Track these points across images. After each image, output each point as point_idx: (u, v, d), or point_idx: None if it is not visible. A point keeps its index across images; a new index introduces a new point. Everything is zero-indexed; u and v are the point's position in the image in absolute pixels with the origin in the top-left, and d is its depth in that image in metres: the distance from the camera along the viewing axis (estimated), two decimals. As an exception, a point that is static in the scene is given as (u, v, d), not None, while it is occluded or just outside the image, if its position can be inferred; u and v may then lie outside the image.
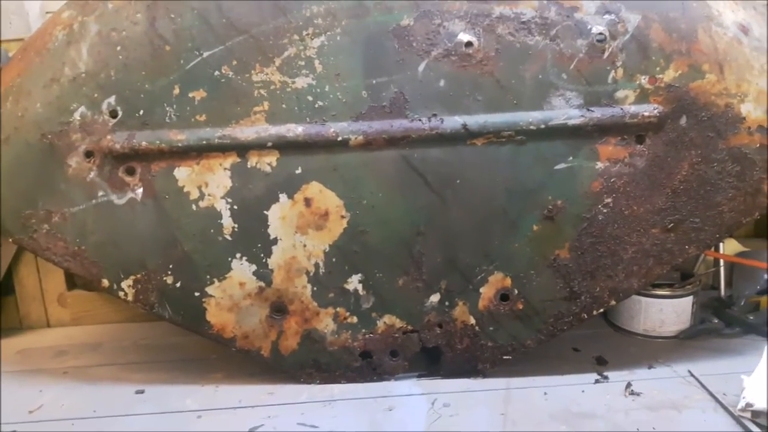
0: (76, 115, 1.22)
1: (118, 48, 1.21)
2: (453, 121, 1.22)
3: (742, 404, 1.19)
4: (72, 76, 1.21)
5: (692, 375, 1.35)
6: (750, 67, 1.22)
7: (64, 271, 1.77)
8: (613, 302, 1.32)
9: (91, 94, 1.22)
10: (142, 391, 1.38)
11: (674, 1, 1.22)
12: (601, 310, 1.33)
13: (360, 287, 1.31)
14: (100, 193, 1.25)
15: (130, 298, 1.28)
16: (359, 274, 1.30)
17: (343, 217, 1.27)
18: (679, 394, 1.29)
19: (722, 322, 1.56)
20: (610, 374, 1.37)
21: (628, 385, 1.31)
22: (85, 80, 1.21)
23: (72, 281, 1.83)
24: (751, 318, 1.55)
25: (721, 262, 1.71)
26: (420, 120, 1.22)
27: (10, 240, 1.29)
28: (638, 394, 1.29)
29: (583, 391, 1.31)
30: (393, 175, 1.25)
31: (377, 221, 1.27)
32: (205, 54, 1.21)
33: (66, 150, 1.23)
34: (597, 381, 1.35)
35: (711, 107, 1.22)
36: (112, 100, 1.22)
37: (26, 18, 1.68)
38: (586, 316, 1.32)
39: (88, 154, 1.23)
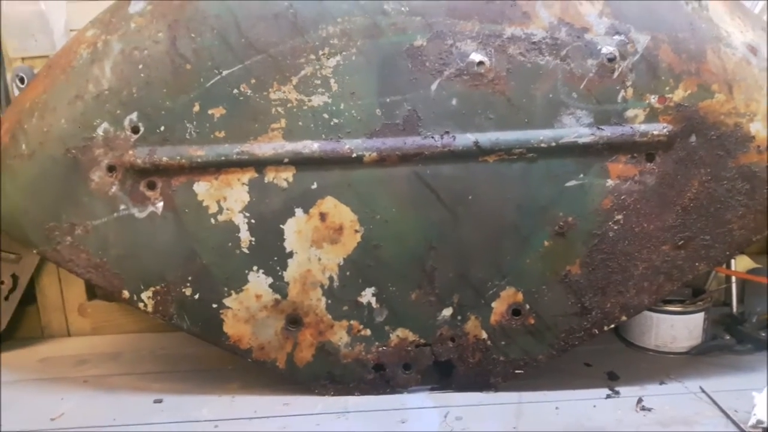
0: (99, 131, 1.26)
1: (141, 66, 1.25)
2: (465, 139, 1.25)
3: (752, 421, 1.20)
4: (96, 93, 1.25)
5: (703, 391, 1.36)
6: (759, 87, 1.23)
7: (85, 282, 1.81)
8: (624, 318, 1.34)
9: (113, 111, 1.26)
10: (160, 401, 1.41)
11: (683, 22, 1.23)
12: (612, 325, 1.34)
13: (373, 300, 1.33)
14: (122, 207, 1.28)
15: (149, 309, 1.32)
16: (373, 288, 1.33)
17: (357, 231, 1.30)
18: (691, 410, 1.29)
19: (734, 338, 1.57)
20: (622, 389, 1.38)
21: (640, 400, 1.32)
22: (109, 97, 1.25)
23: (92, 291, 1.86)
24: (763, 334, 1.55)
25: (733, 278, 1.71)
26: (433, 137, 1.25)
27: (34, 251, 1.32)
28: (649, 410, 1.29)
29: (594, 406, 1.32)
30: (406, 191, 1.28)
31: (390, 236, 1.30)
32: (225, 72, 1.24)
33: (89, 165, 1.27)
34: (608, 396, 1.36)
35: (720, 126, 1.24)
36: (134, 116, 1.26)
37: (51, 35, 1.72)
38: (597, 332, 1.33)
39: (111, 169, 1.27)
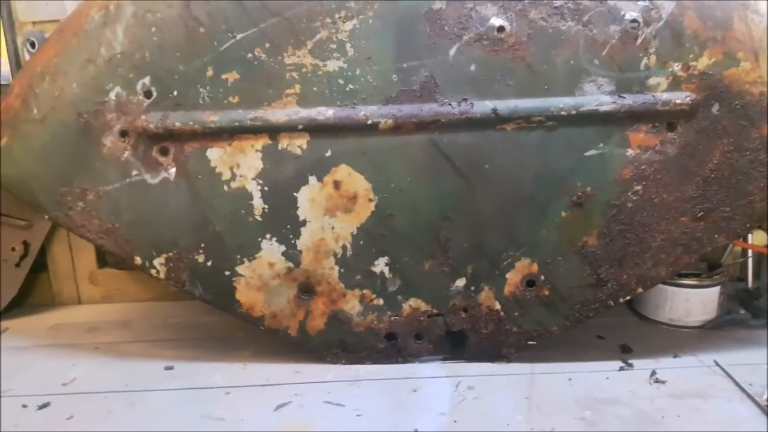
0: (112, 95, 1.25)
1: (153, 29, 1.22)
2: (483, 106, 1.22)
3: (767, 395, 1.19)
4: (108, 56, 1.24)
5: (718, 365, 1.35)
6: (786, 55, 1.20)
7: (96, 250, 1.80)
8: (640, 290, 1.32)
9: (126, 75, 1.24)
10: (171, 368, 1.41)
11: (710, -13, 1.20)
12: (628, 297, 1.33)
13: (386, 270, 1.32)
14: (134, 173, 1.27)
15: (161, 275, 1.31)
16: (386, 257, 1.31)
17: (371, 200, 1.28)
18: (705, 383, 1.29)
19: (749, 313, 1.56)
20: (635, 362, 1.37)
21: (653, 373, 1.32)
22: (121, 61, 1.23)
23: (103, 260, 1.86)
24: (778, 310, 1.54)
25: (750, 252, 1.69)
26: (450, 104, 1.23)
27: (46, 217, 1.31)
28: (663, 382, 1.29)
29: (607, 378, 1.32)
30: (421, 160, 1.26)
31: (405, 205, 1.28)
32: (239, 36, 1.22)
33: (101, 129, 1.26)
34: (622, 368, 1.35)
35: (745, 95, 1.21)
36: (146, 80, 1.24)
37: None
38: (612, 304, 1.32)
39: (123, 134, 1.26)
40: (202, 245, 1.29)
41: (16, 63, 1.62)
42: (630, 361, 1.37)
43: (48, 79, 1.26)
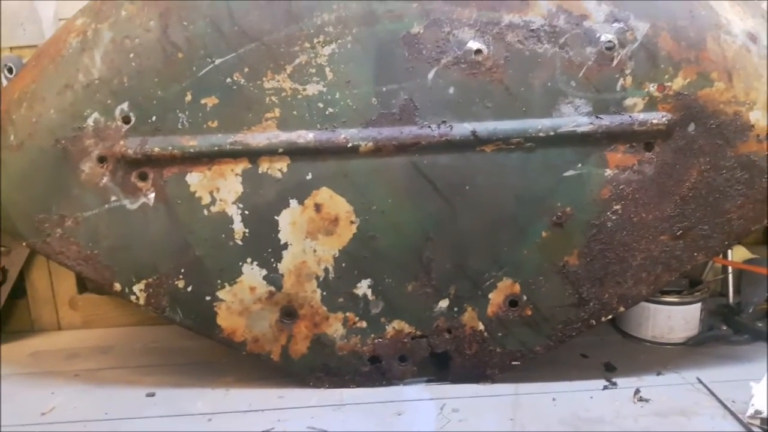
0: (90, 121, 1.24)
1: (132, 55, 1.22)
2: (462, 128, 1.23)
3: (750, 411, 1.19)
4: (86, 82, 1.23)
5: (701, 382, 1.35)
6: (759, 75, 1.22)
7: (76, 275, 1.79)
8: (621, 309, 1.33)
9: (104, 101, 1.23)
10: (153, 394, 1.39)
11: (683, 9, 1.22)
12: (610, 316, 1.33)
13: (369, 292, 1.32)
14: (113, 198, 1.26)
15: (141, 301, 1.30)
16: (368, 279, 1.31)
17: (352, 222, 1.28)
18: (688, 400, 1.29)
19: (731, 329, 1.57)
20: (619, 380, 1.37)
21: (637, 391, 1.32)
22: (99, 86, 1.23)
23: (83, 285, 1.84)
24: (760, 325, 1.55)
25: (730, 269, 1.71)
26: (429, 127, 1.23)
27: (24, 244, 1.30)
28: (647, 401, 1.29)
29: (591, 397, 1.31)
30: (402, 182, 1.26)
31: (387, 227, 1.28)
32: (218, 61, 1.22)
33: (79, 155, 1.25)
34: (605, 387, 1.35)
35: (719, 115, 1.22)
36: (125, 106, 1.23)
37: (40, 24, 1.70)
38: (594, 323, 1.32)
39: (101, 160, 1.25)
40: (183, 270, 1.28)
41: (-6, 88, 1.61)
42: (614, 380, 1.37)
43: (25, 105, 1.25)
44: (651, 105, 1.23)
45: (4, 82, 1.56)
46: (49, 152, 1.24)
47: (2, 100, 1.27)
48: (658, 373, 1.40)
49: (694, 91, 1.22)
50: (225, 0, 1.21)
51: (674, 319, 1.54)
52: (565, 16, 1.21)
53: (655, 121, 1.22)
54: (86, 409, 1.34)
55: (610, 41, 1.21)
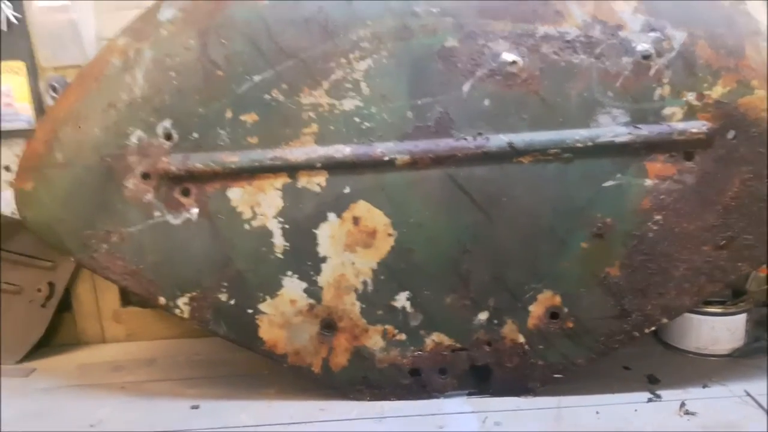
0: (133, 139, 1.27)
1: (172, 73, 1.25)
2: (498, 140, 1.23)
3: (800, 425, 1.17)
4: (128, 101, 1.27)
5: (749, 395, 1.32)
6: (801, 80, 1.20)
7: (120, 289, 1.82)
8: (664, 320, 1.31)
9: (146, 118, 1.27)
10: (197, 407, 1.41)
11: (720, 16, 1.21)
12: (653, 328, 1.32)
13: (408, 305, 1.32)
14: (157, 214, 1.29)
15: (186, 315, 1.32)
16: (407, 292, 1.31)
17: (390, 235, 1.29)
18: (737, 414, 1.26)
19: (778, 340, 1.53)
20: (663, 393, 1.35)
21: (683, 404, 1.29)
22: (141, 105, 1.26)
23: (127, 298, 1.88)
24: (807, 335, 1.51)
25: (776, 278, 1.67)
26: (465, 139, 1.24)
27: (72, 259, 1.34)
28: (693, 414, 1.27)
29: (636, 410, 1.30)
30: (439, 194, 1.27)
31: (424, 239, 1.29)
32: (256, 78, 1.24)
33: (124, 172, 1.28)
34: (650, 400, 1.33)
35: (761, 123, 1.21)
36: (167, 123, 1.27)
37: (82, 45, 1.74)
38: (637, 334, 1.31)
39: (145, 176, 1.28)
40: (225, 284, 1.31)
41: (39, 108, 1.66)
42: (658, 392, 1.35)
43: (70, 124, 1.29)
44: (690, 114, 1.21)
45: (50, 102, 1.61)
46: (94, 170, 1.28)
47: (48, 120, 1.31)
48: (704, 386, 1.38)
49: (735, 99, 1.20)
50: (262, 18, 1.23)
51: (718, 330, 1.51)
52: (601, 26, 1.21)
53: (694, 130, 1.21)
54: (133, 421, 1.36)
55: (646, 50, 1.20)
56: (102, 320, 1.88)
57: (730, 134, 1.22)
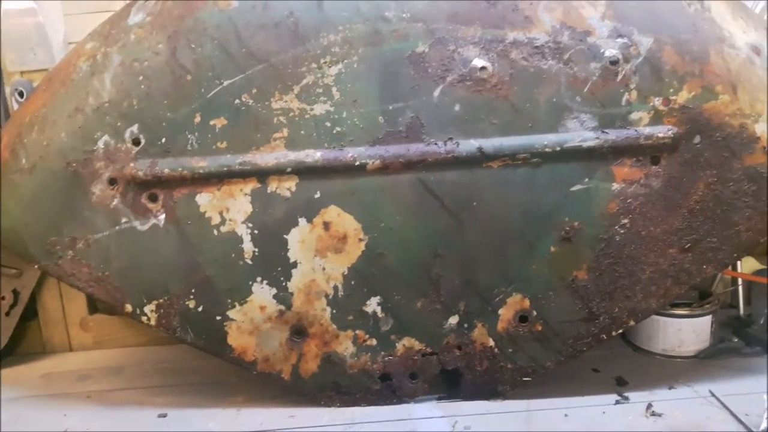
0: (100, 144, 1.25)
1: (141, 78, 1.24)
2: (469, 145, 1.24)
3: (764, 425, 1.19)
4: (96, 105, 1.25)
5: (713, 395, 1.34)
6: (763, 87, 1.23)
7: (87, 296, 1.79)
8: (631, 323, 1.32)
9: (114, 123, 1.25)
10: (164, 415, 1.39)
11: (686, 23, 1.23)
12: (620, 330, 1.33)
13: (379, 310, 1.32)
14: (124, 220, 1.27)
15: (153, 322, 1.30)
16: (378, 297, 1.31)
17: (361, 240, 1.29)
18: (701, 414, 1.28)
19: (742, 341, 1.56)
20: (631, 395, 1.36)
21: (649, 405, 1.31)
22: (109, 109, 1.24)
23: (94, 305, 1.85)
24: (771, 336, 1.54)
25: (740, 280, 1.70)
26: (436, 144, 1.24)
27: (36, 266, 1.31)
28: (659, 415, 1.28)
29: (604, 413, 1.31)
30: (410, 199, 1.27)
31: (395, 244, 1.29)
32: (226, 83, 1.23)
33: (90, 178, 1.26)
34: (617, 402, 1.35)
35: (725, 128, 1.23)
36: (134, 128, 1.25)
37: (50, 49, 1.72)
38: (605, 337, 1.32)
39: (112, 182, 1.26)
40: (193, 290, 1.29)
41: (5, 113, 1.63)
42: (626, 394, 1.37)
43: (36, 128, 1.27)
44: (656, 119, 1.23)
45: (16, 106, 1.58)
46: (60, 175, 1.26)
47: (14, 125, 1.29)
48: (670, 387, 1.40)
49: (700, 105, 1.23)
50: (233, 22, 1.22)
51: (685, 332, 1.54)
52: (569, 32, 1.22)
53: (660, 135, 1.23)
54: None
55: (614, 56, 1.22)
56: (68, 328, 1.85)
57: (697, 140, 1.24)
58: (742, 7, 1.31)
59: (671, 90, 1.23)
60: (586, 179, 1.25)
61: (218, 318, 1.31)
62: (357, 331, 1.33)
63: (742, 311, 1.69)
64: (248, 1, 1.23)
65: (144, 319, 1.31)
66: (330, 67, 1.23)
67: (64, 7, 1.72)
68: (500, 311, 1.32)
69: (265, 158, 1.25)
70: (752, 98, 1.22)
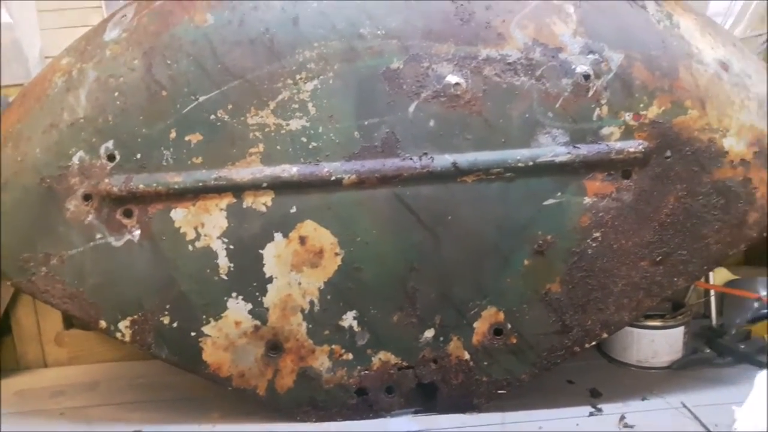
0: (75, 160, 1.25)
1: (116, 94, 1.24)
2: (443, 160, 1.25)
3: (733, 435, 1.21)
4: (71, 121, 1.24)
5: (685, 406, 1.36)
6: (731, 102, 1.25)
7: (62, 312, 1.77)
8: (604, 335, 1.34)
9: (89, 139, 1.24)
10: (139, 432, 1.38)
11: (655, 39, 1.25)
12: (593, 342, 1.35)
13: (355, 324, 1.32)
14: (98, 236, 1.26)
15: (127, 338, 1.30)
16: (354, 311, 1.32)
17: (337, 254, 1.29)
18: (673, 425, 1.30)
19: (714, 351, 1.58)
20: (604, 406, 1.38)
21: (622, 417, 1.33)
22: (84, 125, 1.24)
23: (69, 321, 1.83)
24: (742, 347, 1.56)
25: (712, 291, 1.73)
26: (411, 159, 1.25)
27: (9, 283, 1.30)
28: (632, 427, 1.30)
29: (577, 425, 1.32)
30: (386, 213, 1.28)
31: (371, 258, 1.29)
32: (201, 98, 1.24)
33: (65, 193, 1.25)
34: (591, 414, 1.36)
35: (694, 142, 1.25)
36: (110, 144, 1.25)
37: (26, 63, 1.71)
38: (578, 349, 1.33)
39: (87, 198, 1.26)
40: (168, 306, 1.28)
41: (-21, 127, 1.62)
42: (599, 406, 1.38)
43: (11, 144, 1.26)
44: (627, 133, 1.25)
45: (-10, 121, 1.57)
46: (34, 191, 1.25)
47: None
48: (643, 398, 1.41)
49: (669, 120, 1.25)
50: (208, 39, 1.22)
51: (658, 343, 1.55)
52: (541, 49, 1.24)
53: (631, 150, 1.25)
54: (72, 449, 1.33)
55: (585, 72, 1.24)
56: (43, 344, 1.83)
57: (667, 155, 1.26)
58: (710, 23, 1.34)
59: (641, 105, 1.25)
60: (559, 193, 1.27)
61: (193, 334, 1.30)
62: (333, 346, 1.33)
63: (714, 322, 1.71)
64: (224, 17, 1.24)
65: (118, 335, 1.30)
66: (306, 83, 1.24)
67: (41, 21, 1.71)
68: (475, 324, 1.32)
69: (240, 173, 1.25)
70: (720, 113, 1.25)
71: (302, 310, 1.31)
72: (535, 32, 1.24)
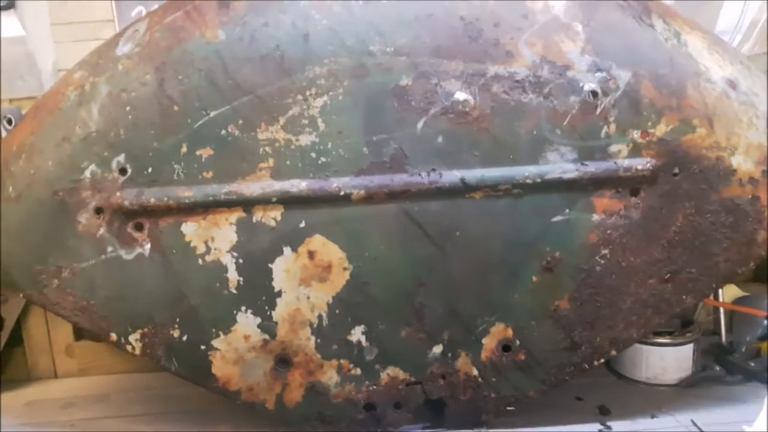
0: (87, 173, 1.26)
1: (128, 108, 1.25)
2: (451, 176, 1.26)
3: (743, 455, 1.20)
4: (83, 135, 1.26)
5: (695, 425, 1.36)
6: (738, 120, 1.25)
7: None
8: (613, 352, 1.34)
9: (101, 153, 1.26)
10: (149, 444, 1.39)
11: (663, 57, 1.26)
12: (602, 359, 1.34)
13: (363, 339, 1.32)
14: (110, 249, 1.28)
15: (137, 351, 1.31)
16: (362, 326, 1.32)
17: (345, 269, 1.30)
18: (682, 444, 1.30)
19: (724, 369, 1.57)
20: (614, 424, 1.37)
21: (631, 435, 1.32)
22: (96, 139, 1.25)
23: (80, 332, 1.84)
24: (752, 365, 1.55)
25: (721, 308, 1.72)
26: (419, 175, 1.26)
27: (21, 295, 1.31)
28: (641, 445, 1.29)
29: (586, 442, 1.32)
30: (394, 228, 1.28)
31: (379, 273, 1.30)
32: (212, 114, 1.25)
33: (76, 207, 1.27)
34: (600, 431, 1.35)
35: (702, 160, 1.25)
36: (121, 158, 1.26)
37: (39, 76, 1.73)
38: (587, 366, 1.33)
39: (98, 211, 1.27)
40: (178, 320, 1.29)
41: (-6, 140, 1.64)
42: (608, 424, 1.38)
43: (24, 157, 1.27)
44: (635, 151, 1.26)
45: (4, 134, 1.59)
46: (46, 204, 1.26)
47: (1, 152, 1.30)
48: (653, 416, 1.41)
49: (677, 138, 1.25)
50: (219, 55, 1.24)
51: (667, 360, 1.55)
52: (549, 66, 1.25)
53: (639, 167, 1.25)
54: (81, 462, 1.34)
55: (593, 90, 1.24)
56: (54, 354, 1.84)
57: (675, 171, 1.26)
58: (718, 41, 1.35)
59: (649, 123, 1.25)
60: (567, 210, 1.27)
61: (202, 347, 1.31)
62: (341, 361, 1.33)
63: (724, 339, 1.70)
64: (235, 33, 1.25)
65: (129, 348, 1.31)
66: (315, 99, 1.25)
67: (54, 34, 1.73)
68: (484, 340, 1.33)
69: (250, 188, 1.26)
70: (728, 131, 1.25)
71: (311, 325, 1.31)
72: (543, 50, 1.25)
